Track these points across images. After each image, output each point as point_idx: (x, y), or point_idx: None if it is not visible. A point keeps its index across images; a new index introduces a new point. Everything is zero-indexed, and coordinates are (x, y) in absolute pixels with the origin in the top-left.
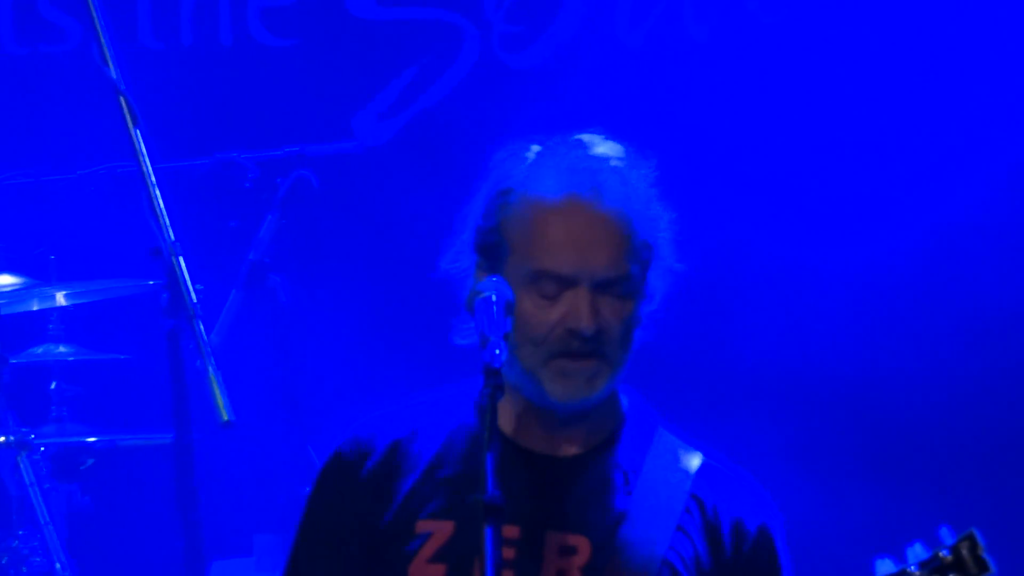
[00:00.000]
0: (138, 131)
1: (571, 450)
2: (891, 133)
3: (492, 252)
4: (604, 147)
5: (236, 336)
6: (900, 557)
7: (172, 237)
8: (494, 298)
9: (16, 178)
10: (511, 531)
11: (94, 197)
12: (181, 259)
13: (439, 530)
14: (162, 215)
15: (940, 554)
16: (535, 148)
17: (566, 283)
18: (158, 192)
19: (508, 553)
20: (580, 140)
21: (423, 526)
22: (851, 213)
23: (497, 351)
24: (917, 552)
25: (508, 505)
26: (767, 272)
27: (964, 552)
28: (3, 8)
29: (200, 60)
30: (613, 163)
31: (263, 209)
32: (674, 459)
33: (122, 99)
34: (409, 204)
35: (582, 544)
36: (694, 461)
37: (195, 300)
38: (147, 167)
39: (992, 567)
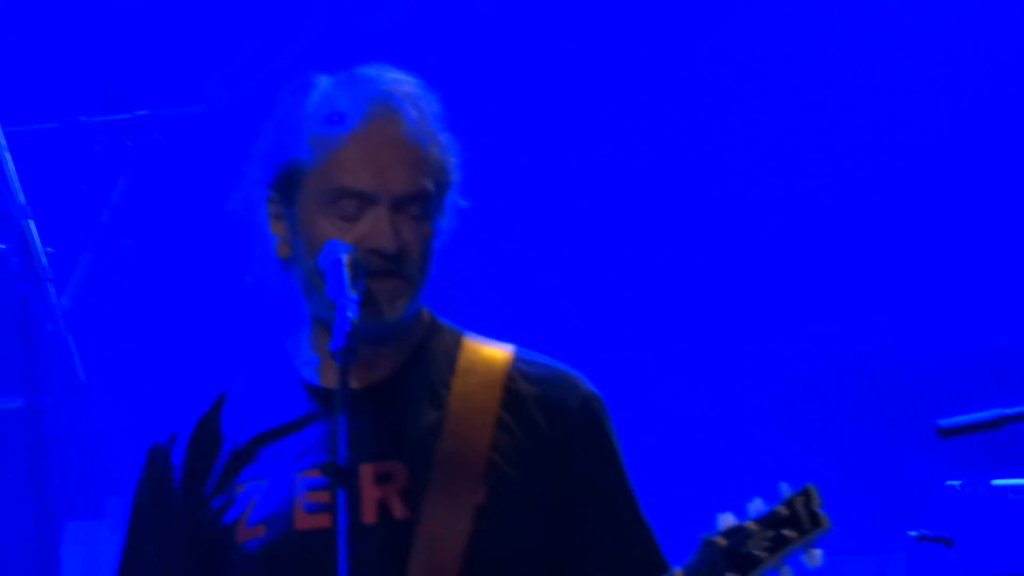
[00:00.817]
0: None
1: (375, 375)
2: (884, 129)
3: (287, 182)
4: (394, 75)
5: (88, 299)
6: (741, 512)
7: (22, 201)
8: (345, 259)
9: None
10: (317, 472)
11: None
12: (31, 223)
13: (255, 492)
14: (11, 179)
15: (776, 508)
16: (326, 79)
17: (365, 201)
18: (7, 155)
19: (324, 496)
20: (370, 71)
21: (240, 490)
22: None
23: (349, 314)
24: (757, 506)
25: (318, 449)
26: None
27: (799, 506)
28: None
29: (48, 24)
30: (406, 88)
31: (114, 173)
32: (483, 360)
33: None
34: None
35: (398, 469)
36: (504, 355)
37: (46, 264)
38: None
39: (827, 522)
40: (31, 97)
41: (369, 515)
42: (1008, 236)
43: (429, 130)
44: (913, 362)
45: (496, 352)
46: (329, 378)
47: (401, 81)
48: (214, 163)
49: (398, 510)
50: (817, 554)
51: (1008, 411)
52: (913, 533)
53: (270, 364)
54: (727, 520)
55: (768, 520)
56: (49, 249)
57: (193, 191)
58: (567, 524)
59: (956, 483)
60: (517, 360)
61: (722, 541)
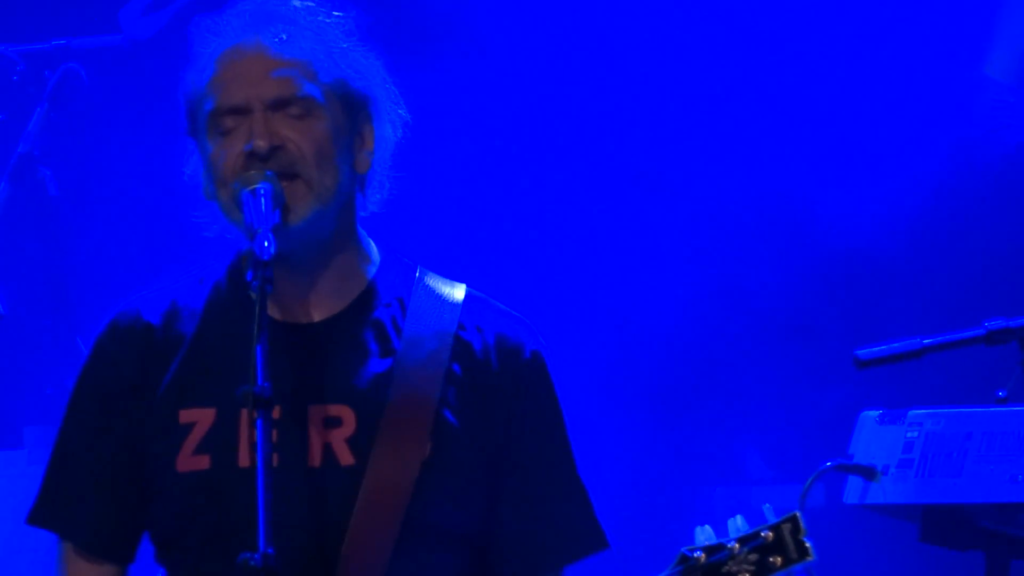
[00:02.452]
0: None
1: (322, 312)
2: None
3: (190, 117)
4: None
5: (4, 229)
6: (721, 529)
7: None
8: (262, 191)
9: None
10: (272, 412)
11: None
12: None
13: (202, 419)
14: None
15: (761, 532)
16: (212, 17)
17: (241, 114)
18: None
19: (273, 435)
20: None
21: (185, 416)
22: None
23: (266, 243)
24: (738, 525)
25: (275, 388)
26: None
27: (786, 534)
28: None
29: None
30: (284, 8)
31: (31, 103)
32: (436, 301)
33: None
34: (175, 95)
35: (346, 414)
36: (457, 296)
37: None
38: None
39: (813, 553)
40: None
41: (315, 458)
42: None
43: (311, 41)
44: (832, 289)
45: (450, 293)
46: (275, 309)
47: (282, 3)
48: (132, 93)
49: (343, 456)
50: None
51: (927, 340)
52: (830, 464)
53: (224, 286)
54: (707, 535)
55: (751, 542)
56: None
57: (111, 121)
58: (511, 480)
59: (875, 413)
60: (470, 303)
61: (702, 558)
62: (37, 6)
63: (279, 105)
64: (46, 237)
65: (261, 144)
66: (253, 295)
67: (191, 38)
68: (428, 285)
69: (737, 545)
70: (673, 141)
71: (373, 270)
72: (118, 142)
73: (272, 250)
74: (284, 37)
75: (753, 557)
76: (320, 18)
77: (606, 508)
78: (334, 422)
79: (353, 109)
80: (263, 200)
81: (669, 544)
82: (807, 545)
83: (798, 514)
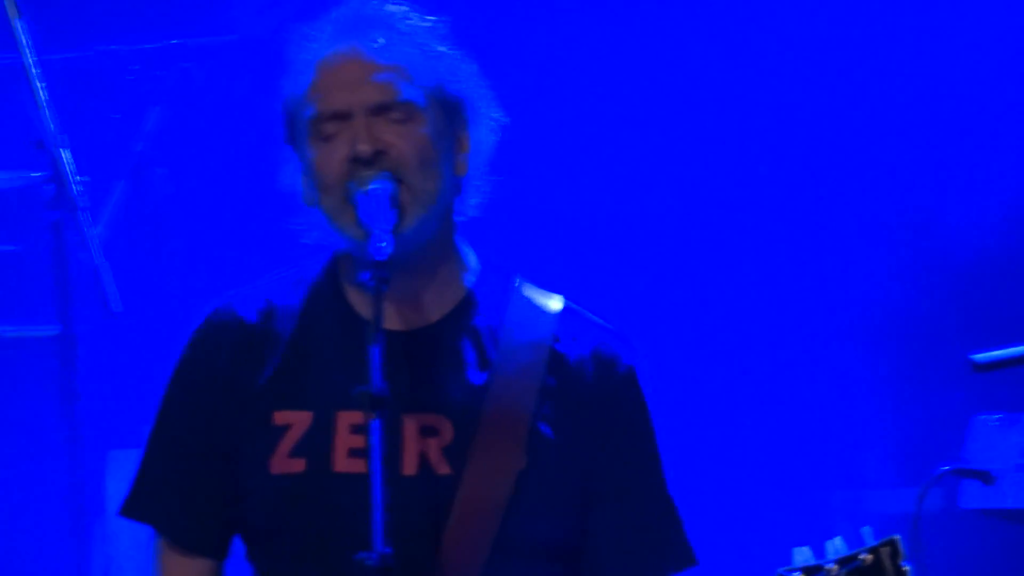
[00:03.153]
0: (22, 23)
1: (420, 320)
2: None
3: (288, 124)
4: (376, 3)
5: (121, 228)
6: (819, 549)
7: (55, 130)
8: (380, 190)
9: None
10: (368, 416)
11: None
12: (66, 152)
13: (297, 422)
14: (45, 108)
15: (860, 555)
16: (311, 22)
17: (343, 120)
18: (41, 85)
19: (364, 440)
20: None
21: (280, 417)
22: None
23: (383, 243)
24: (837, 546)
25: (365, 390)
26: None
27: (885, 558)
28: None
29: None
30: (382, 12)
31: (147, 102)
32: (533, 313)
33: None
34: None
35: (442, 424)
36: (554, 306)
37: (79, 192)
38: (30, 60)
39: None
40: (64, 26)
41: (410, 467)
42: None
43: (408, 45)
44: (948, 296)
45: (546, 304)
46: (367, 311)
47: (380, 7)
48: (246, 92)
49: (439, 466)
50: None
51: None
52: (946, 468)
53: (325, 288)
54: (804, 555)
55: (849, 564)
56: (83, 178)
57: (225, 120)
58: (598, 495)
59: (992, 417)
60: (566, 315)
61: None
62: (152, 6)
63: (380, 110)
64: (161, 235)
65: (365, 148)
66: (369, 296)
67: (288, 44)
68: (525, 296)
69: (835, 567)
70: (793, 145)
71: (471, 278)
72: (232, 140)
73: (389, 250)
74: (382, 42)
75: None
76: (416, 22)
77: (725, 513)
78: (430, 431)
79: (451, 113)
80: (379, 200)
81: (786, 548)
82: (905, 570)
83: (898, 538)
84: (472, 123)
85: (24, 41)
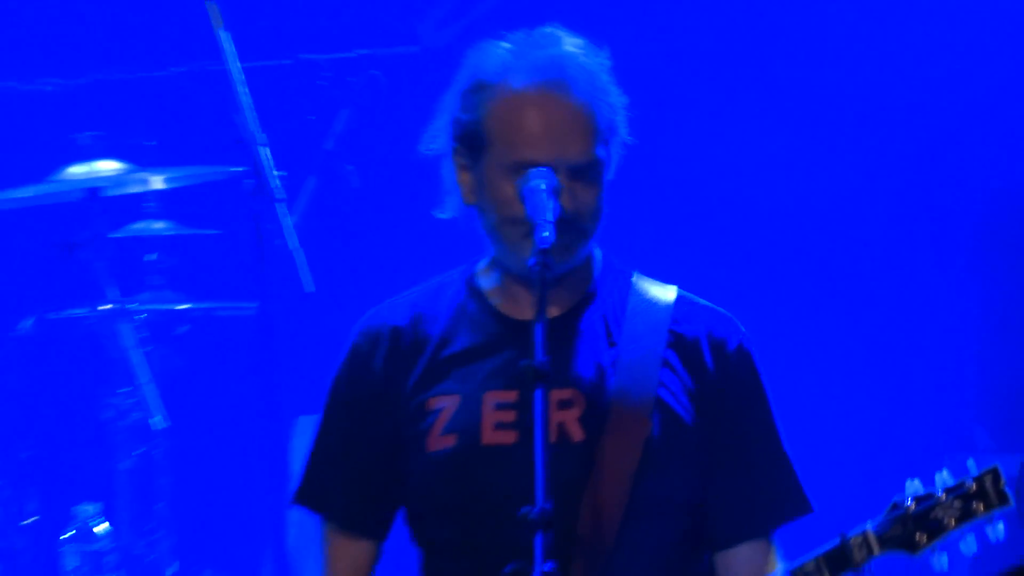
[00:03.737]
0: (225, 34)
1: (557, 309)
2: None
3: (472, 142)
4: (567, 40)
5: (314, 217)
6: (929, 480)
7: (257, 130)
8: (543, 186)
9: (120, 75)
10: (511, 395)
11: (188, 92)
12: (265, 149)
13: (448, 405)
14: (248, 109)
15: (965, 483)
16: (505, 45)
17: (539, 172)
18: (244, 89)
19: (511, 415)
20: (545, 34)
21: (433, 403)
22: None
23: (545, 233)
24: (944, 478)
25: (506, 372)
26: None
27: (988, 484)
28: None
29: None
30: (577, 55)
31: (337, 105)
32: (651, 300)
33: (212, 7)
34: None
35: (576, 397)
36: (669, 296)
37: (277, 185)
38: (233, 67)
39: (1011, 500)
40: (264, 36)
41: (551, 435)
42: None
43: (599, 94)
44: None
45: (662, 294)
46: (512, 309)
47: (572, 45)
48: (426, 98)
49: (575, 433)
50: (1000, 527)
51: None
52: None
53: (461, 294)
54: (916, 487)
55: (956, 492)
56: (280, 172)
57: (408, 122)
58: (723, 456)
59: None
60: (680, 302)
61: (912, 505)
62: (341, 20)
63: (579, 171)
64: (348, 224)
65: (570, 210)
66: (536, 279)
67: (474, 60)
68: (643, 286)
69: (944, 495)
70: (947, 144)
71: (597, 270)
72: (414, 141)
73: (552, 239)
74: (582, 91)
75: (958, 504)
76: (597, 62)
77: (837, 478)
78: (566, 404)
79: (614, 148)
80: (544, 195)
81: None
82: (1006, 493)
83: (997, 466)
84: (614, 149)
85: (228, 50)
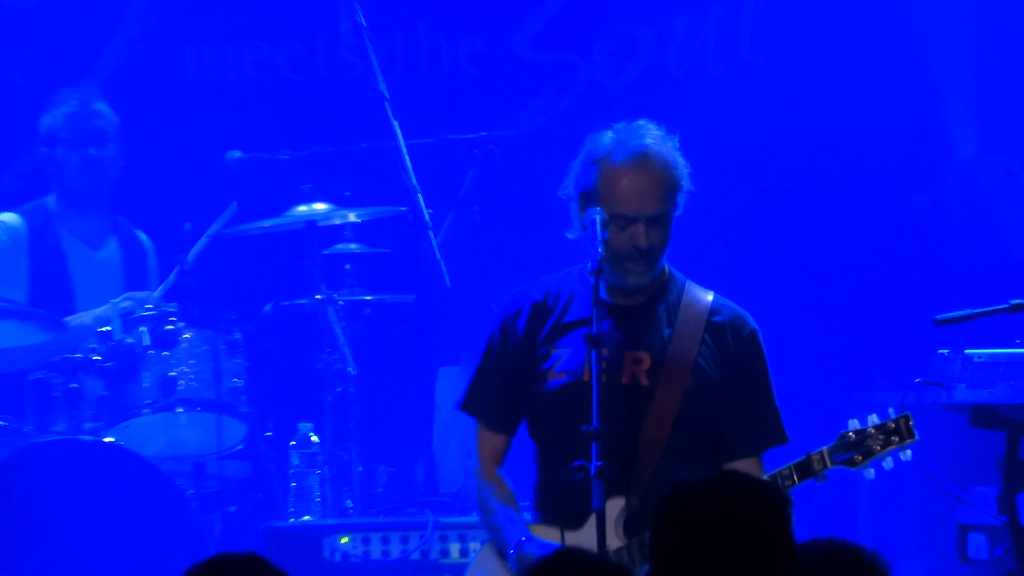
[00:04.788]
0: (396, 122)
1: (636, 300)
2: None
3: (588, 198)
4: (651, 130)
5: (451, 240)
6: (863, 420)
7: (415, 183)
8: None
9: (328, 148)
10: (605, 352)
11: (371, 159)
12: (419, 195)
13: (563, 354)
14: (410, 169)
15: (887, 422)
16: (610, 133)
17: (632, 220)
18: (407, 158)
19: (603, 366)
20: (637, 125)
21: (554, 351)
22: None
23: (598, 253)
24: (873, 419)
25: (604, 336)
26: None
27: (902, 424)
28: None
29: (435, 87)
30: (656, 142)
31: (467, 167)
32: (696, 299)
33: (387, 104)
34: (557, 169)
35: (645, 356)
36: (708, 297)
37: (428, 219)
38: (402, 142)
39: (916, 436)
40: (420, 121)
41: (626, 379)
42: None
43: (671, 167)
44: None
45: (703, 296)
46: (614, 299)
47: (655, 135)
48: (524, 163)
49: (642, 380)
50: (908, 453)
51: (984, 309)
52: (918, 380)
53: (578, 284)
54: (855, 424)
55: (882, 428)
56: (430, 210)
57: (512, 179)
58: (733, 401)
59: (945, 351)
60: (715, 303)
61: (852, 436)
62: (471, 111)
63: (653, 220)
64: (472, 244)
65: (643, 245)
66: (591, 282)
67: (592, 142)
68: (692, 290)
69: (873, 430)
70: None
71: (665, 278)
72: (520, 192)
73: (619, 276)
74: (660, 166)
75: (882, 437)
76: (672, 147)
77: (805, 421)
78: (638, 360)
79: (681, 197)
80: (599, 229)
81: (841, 423)
82: (914, 431)
83: (909, 413)
84: (680, 199)
85: (398, 132)
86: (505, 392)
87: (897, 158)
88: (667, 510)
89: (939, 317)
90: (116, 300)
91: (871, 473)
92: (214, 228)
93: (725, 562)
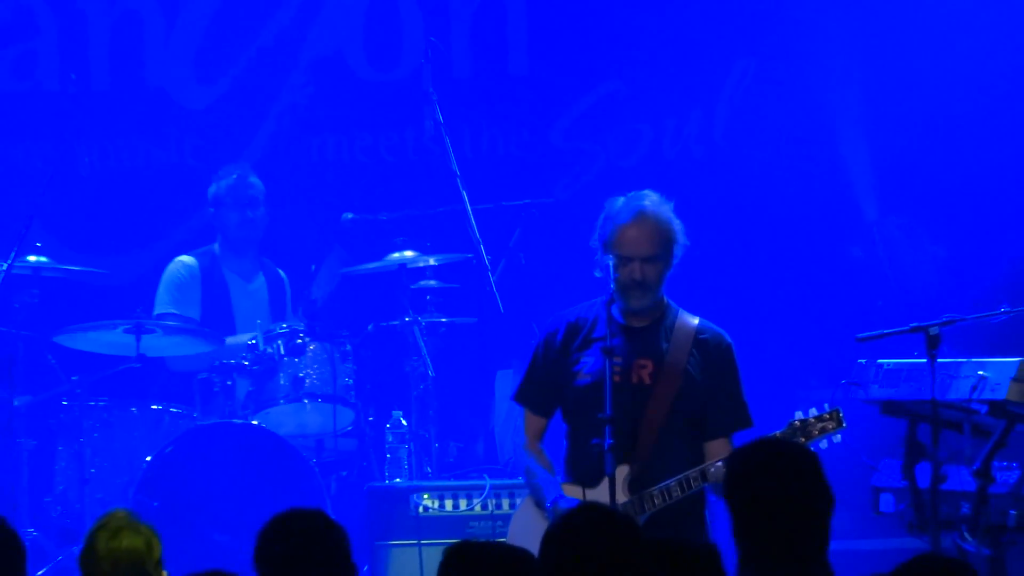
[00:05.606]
0: (464, 191)
1: (643, 323)
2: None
3: (605, 247)
4: (650, 197)
5: (503, 280)
6: (806, 411)
7: (477, 236)
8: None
9: (411, 212)
10: (618, 359)
11: (445, 219)
12: (481, 246)
13: (588, 361)
14: (475, 227)
15: (823, 414)
16: (621, 200)
17: (630, 260)
18: (473, 218)
19: (616, 372)
20: (641, 193)
21: (582, 359)
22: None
23: (612, 286)
24: (813, 412)
25: (617, 349)
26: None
27: (834, 415)
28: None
29: (478, 164)
30: (655, 204)
31: (514, 225)
32: (687, 323)
33: (458, 179)
34: (582, 227)
35: (649, 363)
36: (695, 321)
37: (488, 263)
38: (468, 207)
39: (845, 424)
40: (482, 190)
41: (635, 379)
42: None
43: (664, 222)
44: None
45: (691, 320)
46: (625, 320)
47: (653, 200)
48: (559, 224)
49: (647, 380)
50: (838, 437)
51: (891, 330)
52: (844, 381)
53: (601, 310)
54: (799, 415)
55: (819, 418)
56: (489, 256)
57: (549, 236)
58: (713, 396)
59: (863, 360)
60: (700, 324)
61: (798, 424)
62: (517, 183)
63: (647, 260)
64: (522, 281)
65: (638, 278)
66: (607, 308)
67: (608, 207)
68: (683, 315)
69: (813, 419)
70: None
71: (662, 306)
72: (556, 244)
73: (625, 300)
74: (652, 222)
75: (820, 425)
76: (668, 217)
77: (765, 411)
78: (643, 366)
79: (672, 251)
80: (611, 270)
81: (788, 413)
82: (843, 420)
83: (839, 408)
84: (675, 254)
85: (464, 198)
86: (546, 388)
87: (826, 220)
88: (739, 468)
89: (859, 336)
90: (259, 322)
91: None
92: (329, 269)
93: (786, 501)
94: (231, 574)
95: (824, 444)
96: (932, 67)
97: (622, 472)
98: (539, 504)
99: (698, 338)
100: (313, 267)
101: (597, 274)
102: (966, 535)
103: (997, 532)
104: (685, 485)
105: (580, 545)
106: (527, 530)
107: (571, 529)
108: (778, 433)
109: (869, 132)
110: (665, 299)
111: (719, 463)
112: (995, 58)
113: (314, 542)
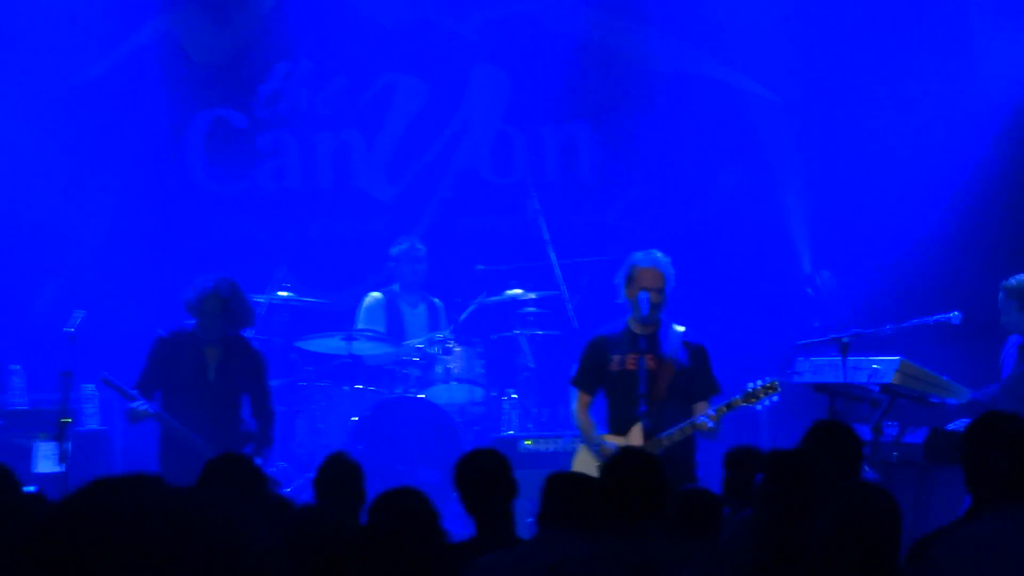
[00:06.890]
0: (551, 249)
1: (650, 332)
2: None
3: (627, 281)
4: (657, 254)
5: (576, 307)
6: (755, 381)
7: (560, 279)
8: (645, 298)
9: (506, 266)
10: (634, 355)
11: (533, 270)
12: (563, 286)
13: (617, 356)
14: (560, 275)
15: (766, 383)
16: (640, 254)
17: (648, 290)
18: (557, 269)
19: (633, 363)
20: (651, 251)
21: (613, 355)
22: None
23: (639, 308)
24: (757, 383)
25: (633, 349)
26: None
27: (772, 384)
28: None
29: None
30: (660, 258)
31: (583, 275)
32: (676, 331)
33: (548, 246)
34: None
35: (654, 357)
36: (682, 329)
37: (567, 297)
38: (554, 261)
39: (779, 389)
40: (564, 250)
41: (647, 367)
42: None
43: (667, 269)
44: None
45: (679, 328)
46: (637, 331)
47: (659, 255)
48: (601, 272)
49: (654, 368)
50: (775, 398)
51: (819, 339)
52: (788, 371)
53: (622, 325)
54: (752, 385)
55: (763, 387)
56: (566, 292)
57: (601, 278)
58: (695, 376)
59: (801, 358)
60: (684, 332)
61: (749, 390)
62: (584, 246)
63: (656, 291)
64: (586, 309)
65: (655, 302)
66: (635, 321)
67: (630, 258)
68: (674, 327)
69: (760, 388)
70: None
71: (663, 321)
72: (607, 283)
73: (644, 311)
74: (660, 270)
75: (764, 390)
76: (668, 264)
77: (729, 382)
78: (651, 358)
79: (669, 286)
80: (646, 304)
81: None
82: (779, 387)
83: (776, 380)
84: (670, 286)
85: (551, 253)
86: (590, 376)
87: (776, 269)
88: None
89: (798, 343)
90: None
91: (759, 407)
92: (476, 302)
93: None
94: (415, 489)
95: (767, 403)
96: (859, 149)
97: (639, 426)
98: (588, 447)
99: (684, 340)
100: (458, 299)
101: (619, 301)
102: (866, 467)
103: (885, 466)
104: (680, 433)
105: (630, 469)
106: (584, 462)
107: (622, 460)
108: (738, 396)
109: (808, 207)
110: (663, 316)
111: (700, 417)
112: (915, 138)
113: (501, 467)
